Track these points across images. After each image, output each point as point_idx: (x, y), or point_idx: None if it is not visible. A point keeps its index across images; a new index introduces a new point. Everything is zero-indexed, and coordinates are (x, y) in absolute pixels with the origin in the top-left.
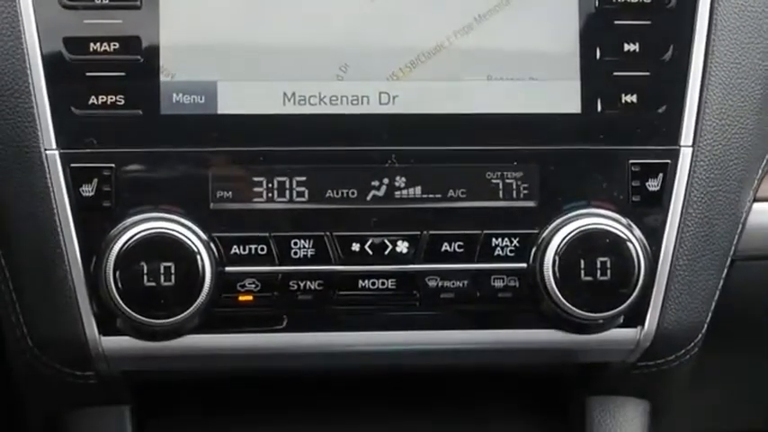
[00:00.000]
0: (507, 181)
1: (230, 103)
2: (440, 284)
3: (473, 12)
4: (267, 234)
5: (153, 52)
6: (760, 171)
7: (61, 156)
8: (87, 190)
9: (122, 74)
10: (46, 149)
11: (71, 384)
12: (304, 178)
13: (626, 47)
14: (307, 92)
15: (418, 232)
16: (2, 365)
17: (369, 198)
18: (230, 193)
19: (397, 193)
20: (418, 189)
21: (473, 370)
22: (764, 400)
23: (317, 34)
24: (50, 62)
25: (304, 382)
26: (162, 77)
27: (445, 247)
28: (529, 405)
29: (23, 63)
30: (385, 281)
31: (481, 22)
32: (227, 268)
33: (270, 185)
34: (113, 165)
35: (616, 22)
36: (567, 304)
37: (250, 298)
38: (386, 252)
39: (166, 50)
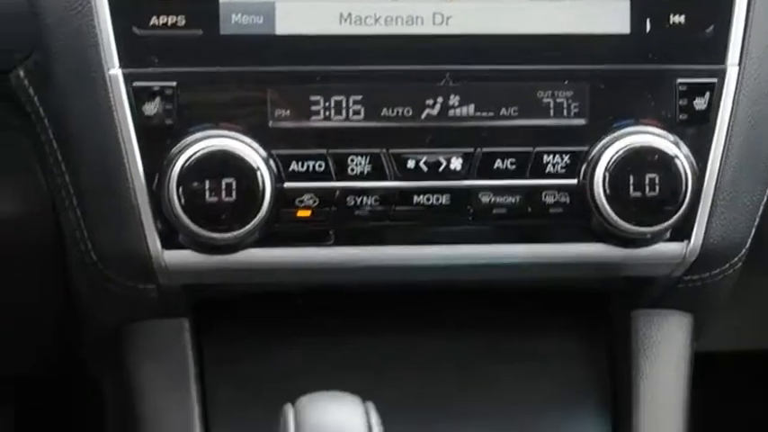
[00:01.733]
0: (558, 100)
1: (288, 23)
2: (492, 200)
3: None
4: (324, 151)
5: None
6: None
7: (124, 75)
8: (149, 109)
9: None
10: (109, 69)
11: (133, 298)
12: (360, 97)
13: None
14: (362, 12)
15: (471, 149)
16: (63, 280)
17: (423, 116)
18: (288, 111)
19: (451, 111)
20: (471, 107)
21: (520, 286)
22: None
23: None
24: None
25: (353, 299)
26: None
27: (498, 164)
28: (573, 322)
29: None
30: (439, 196)
31: None
32: (286, 184)
33: (327, 104)
34: (175, 84)
35: None
36: (617, 219)
37: (308, 213)
38: (440, 169)
39: None
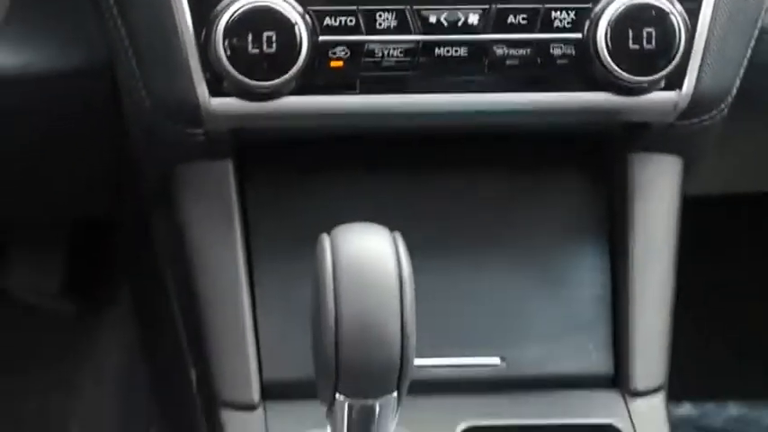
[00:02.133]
0: None
1: None
2: (505, 52)
3: None
4: (355, 8)
5: None
6: None
7: None
8: None
9: None
10: None
11: (183, 141)
12: None
13: None
14: None
15: (487, 6)
16: (119, 126)
17: None
18: None
19: None
20: None
21: (530, 133)
22: None
23: None
24: None
25: (380, 145)
26: None
27: (510, 19)
28: (576, 165)
29: None
30: (458, 49)
31: None
32: (321, 38)
33: None
34: None
35: None
36: (617, 69)
37: (340, 64)
38: (459, 24)
39: None
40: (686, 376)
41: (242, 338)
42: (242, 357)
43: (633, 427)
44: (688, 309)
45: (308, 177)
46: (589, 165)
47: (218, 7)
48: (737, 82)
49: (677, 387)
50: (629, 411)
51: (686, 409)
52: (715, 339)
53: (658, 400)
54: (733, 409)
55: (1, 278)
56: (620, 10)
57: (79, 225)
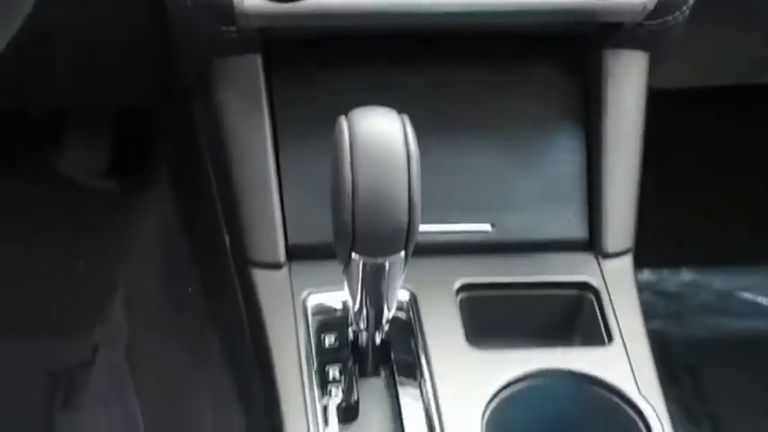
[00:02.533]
0: None
1: None
2: None
3: None
4: None
5: None
6: None
7: None
8: None
9: None
10: None
11: (218, 37)
12: None
13: None
14: None
15: None
16: (164, 26)
17: None
18: None
19: None
20: None
21: (519, 30)
22: (750, 53)
23: None
24: None
25: (391, 44)
26: None
27: None
28: (557, 61)
29: None
30: None
31: None
32: None
33: None
34: None
35: None
36: None
37: None
38: None
39: None
40: (646, 246)
41: (269, 207)
42: (270, 223)
43: (605, 283)
44: (653, 186)
45: (327, 70)
46: (568, 60)
47: None
48: None
49: (638, 256)
50: (601, 271)
51: (646, 274)
52: (674, 213)
53: (627, 261)
54: (686, 275)
55: (55, 161)
56: None
57: (125, 113)
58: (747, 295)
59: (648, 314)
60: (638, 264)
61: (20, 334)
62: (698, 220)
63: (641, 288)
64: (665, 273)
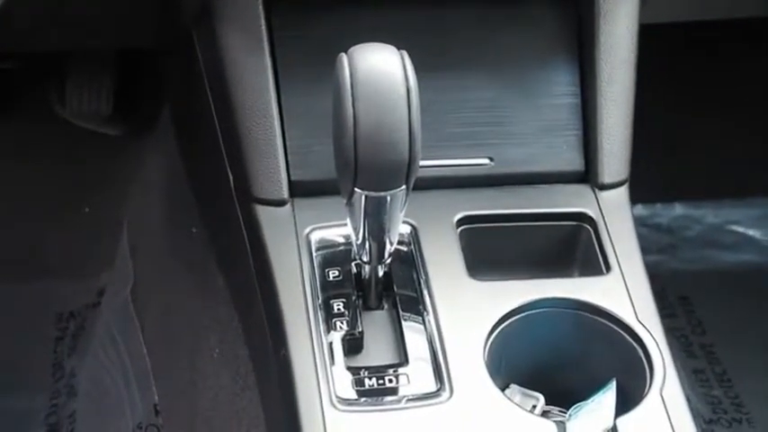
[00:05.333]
0: None
1: None
2: None
3: None
4: None
5: None
6: None
7: None
8: None
9: None
10: None
11: None
12: None
13: None
14: None
15: None
16: None
17: None
18: None
19: None
20: None
21: None
22: None
23: None
24: None
25: None
26: None
27: None
28: (540, 3)
29: None
30: None
31: None
32: None
33: None
34: None
35: None
36: None
37: None
38: None
39: None
40: (639, 180)
41: (272, 144)
42: (272, 160)
43: (602, 213)
44: (646, 120)
45: (326, 7)
46: (560, 2)
47: None
48: None
49: (632, 191)
50: (598, 202)
51: (638, 209)
52: (666, 149)
53: (623, 192)
54: (679, 209)
55: (60, 107)
56: None
57: (126, 56)
58: (738, 228)
59: (642, 248)
60: (632, 199)
61: (27, 276)
62: (690, 155)
63: (635, 223)
64: (658, 207)
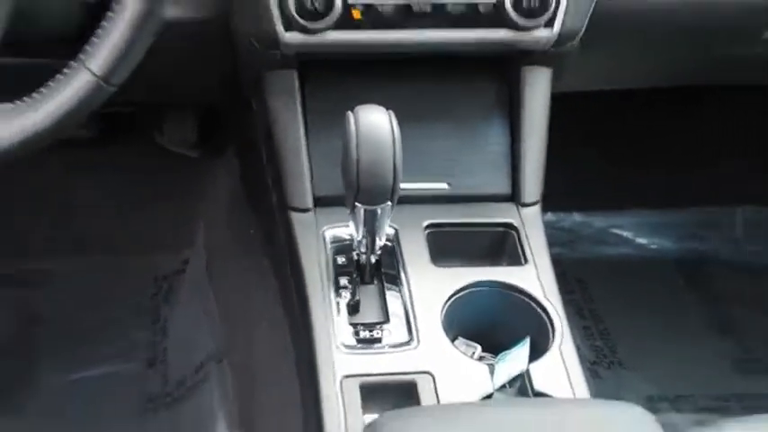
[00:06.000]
0: None
1: None
2: (453, 6)
3: None
4: None
5: None
6: None
7: None
8: None
9: None
10: None
11: (267, 58)
12: None
13: None
14: None
15: None
16: (232, 50)
17: None
18: None
19: None
20: None
21: (464, 53)
22: (651, 62)
23: None
24: None
25: (380, 64)
26: None
27: None
28: (491, 75)
29: None
30: (426, 5)
31: None
32: (349, 0)
33: None
34: None
35: None
36: (518, 18)
37: (359, 14)
38: None
39: None
40: (550, 196)
41: (302, 170)
42: (302, 181)
43: (522, 223)
44: (554, 155)
45: (340, 78)
46: (499, 73)
47: None
48: (585, 25)
49: (544, 203)
50: (520, 215)
51: (548, 216)
52: (568, 174)
53: (536, 209)
54: (576, 216)
55: (159, 136)
56: None
57: (207, 107)
58: (617, 231)
59: (550, 243)
60: (544, 208)
61: (133, 251)
62: (584, 178)
63: (545, 225)
64: (562, 215)
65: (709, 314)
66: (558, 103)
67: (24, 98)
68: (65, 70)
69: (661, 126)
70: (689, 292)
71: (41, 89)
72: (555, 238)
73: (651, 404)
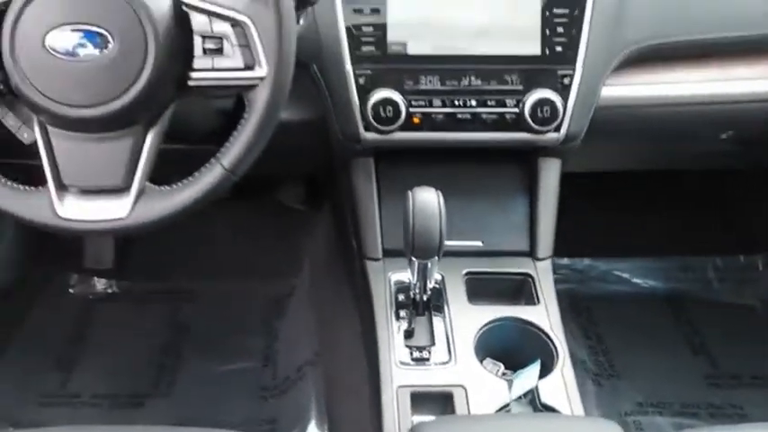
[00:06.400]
0: (512, 77)
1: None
2: (487, 116)
3: None
4: (425, 98)
5: None
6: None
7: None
8: (361, 77)
9: None
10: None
11: (352, 149)
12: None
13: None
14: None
15: (479, 97)
16: (329, 142)
17: (460, 86)
18: (411, 82)
19: (472, 84)
20: (479, 81)
21: (497, 147)
22: (638, 152)
23: None
24: None
25: (433, 155)
26: None
27: (489, 101)
28: (517, 163)
29: None
30: (467, 114)
31: None
32: (410, 109)
33: (428, 79)
34: (370, 71)
35: None
36: (534, 125)
37: (419, 120)
38: (466, 103)
39: None
40: (565, 244)
41: (375, 229)
42: (375, 238)
43: (537, 273)
44: (568, 217)
45: (404, 163)
46: (521, 161)
47: (369, 94)
48: (586, 126)
49: (560, 250)
50: (535, 267)
51: (564, 260)
52: (579, 230)
53: (548, 262)
54: (586, 261)
55: (279, 194)
56: (534, 98)
57: (311, 176)
58: (618, 272)
59: (565, 281)
60: (561, 254)
61: (256, 278)
62: (593, 233)
63: (562, 268)
64: (575, 259)
65: (687, 338)
66: (573, 178)
67: (173, 185)
68: (204, 167)
69: (652, 192)
70: (672, 320)
71: (185, 180)
72: (569, 277)
73: (640, 408)
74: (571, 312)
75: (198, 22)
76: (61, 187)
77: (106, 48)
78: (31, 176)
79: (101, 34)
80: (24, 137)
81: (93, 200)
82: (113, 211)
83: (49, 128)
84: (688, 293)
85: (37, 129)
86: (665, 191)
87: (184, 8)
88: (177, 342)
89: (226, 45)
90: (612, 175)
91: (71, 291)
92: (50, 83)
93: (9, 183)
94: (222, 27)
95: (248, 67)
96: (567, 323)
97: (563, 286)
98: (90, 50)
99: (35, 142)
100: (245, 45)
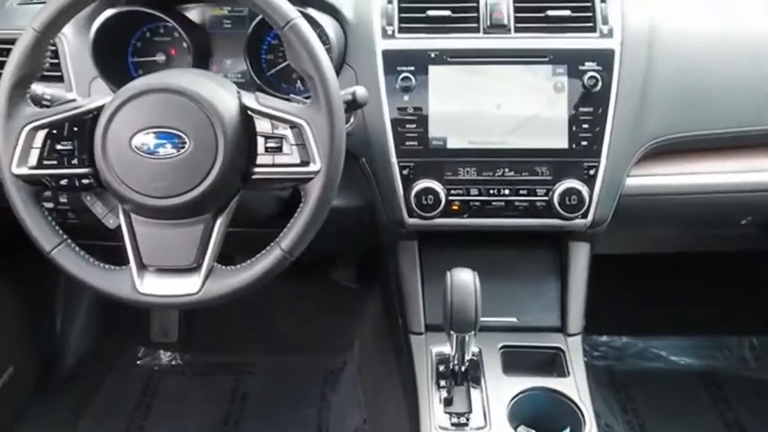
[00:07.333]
0: (542, 169)
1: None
2: (519, 203)
3: None
4: (463, 188)
5: None
6: (633, 159)
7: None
8: (405, 169)
9: None
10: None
11: (398, 233)
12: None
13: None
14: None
15: (511, 187)
16: (377, 226)
17: (495, 176)
18: (451, 173)
19: (506, 175)
20: (511, 173)
21: (529, 232)
22: (663, 236)
23: None
24: None
25: (471, 237)
26: None
27: (521, 190)
28: (548, 246)
29: None
30: (500, 203)
31: None
32: (449, 197)
33: (465, 170)
34: (413, 164)
35: None
36: (562, 212)
37: (457, 207)
38: (499, 193)
39: None
40: (602, 324)
41: (418, 306)
42: (418, 314)
43: (567, 348)
44: (595, 305)
45: (445, 245)
46: (551, 245)
47: (413, 184)
48: (611, 214)
49: (597, 328)
50: (566, 342)
51: (603, 338)
52: (614, 308)
53: (578, 338)
54: (624, 338)
55: (332, 272)
56: (562, 188)
57: (362, 256)
58: (655, 350)
59: (603, 357)
60: (600, 333)
61: (311, 353)
62: (631, 312)
63: (601, 344)
64: (614, 337)
65: (722, 415)
66: (610, 258)
67: (238, 265)
68: (265, 249)
69: (688, 271)
70: (708, 397)
71: (248, 260)
72: (608, 354)
73: None
74: (609, 388)
75: (261, 125)
76: (141, 266)
77: (183, 147)
78: (106, 256)
79: (179, 136)
80: (110, 222)
81: (169, 278)
82: (186, 287)
83: (133, 215)
84: (724, 372)
85: (122, 216)
86: (700, 270)
87: (250, 113)
88: (237, 412)
89: (285, 144)
90: (648, 256)
91: (139, 362)
92: (135, 177)
93: (95, 262)
94: (282, 129)
95: (304, 163)
96: (606, 398)
97: (602, 363)
98: (169, 150)
99: (119, 227)
100: (302, 144)
